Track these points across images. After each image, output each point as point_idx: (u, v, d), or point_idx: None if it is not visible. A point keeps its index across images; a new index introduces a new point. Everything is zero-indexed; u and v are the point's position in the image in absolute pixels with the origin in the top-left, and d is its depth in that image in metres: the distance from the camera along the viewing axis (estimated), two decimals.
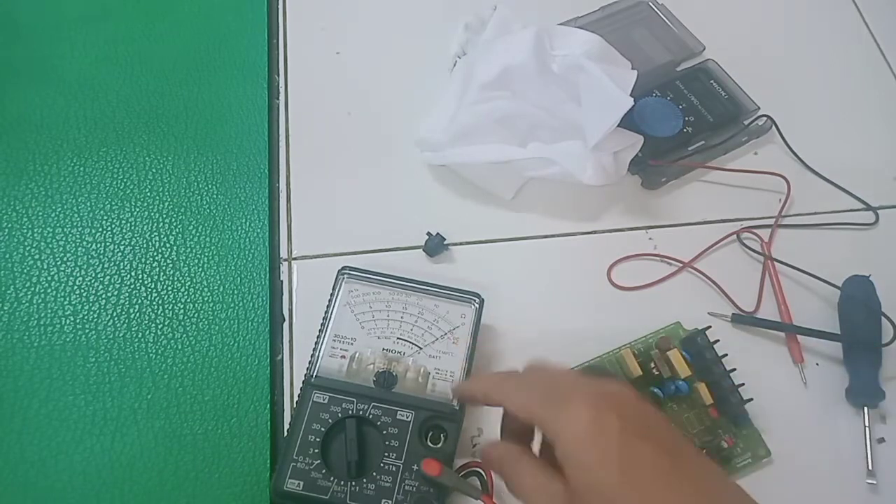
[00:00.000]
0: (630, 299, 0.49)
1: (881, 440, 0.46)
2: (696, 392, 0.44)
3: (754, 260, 0.52)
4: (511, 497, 0.33)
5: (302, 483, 0.38)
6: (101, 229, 0.49)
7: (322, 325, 0.43)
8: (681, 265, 0.51)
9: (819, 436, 0.46)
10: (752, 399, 0.44)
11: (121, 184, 0.50)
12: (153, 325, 0.45)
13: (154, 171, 0.51)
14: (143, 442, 0.42)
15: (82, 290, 0.46)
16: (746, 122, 0.56)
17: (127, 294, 0.46)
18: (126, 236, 0.48)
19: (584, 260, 0.50)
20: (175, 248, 0.48)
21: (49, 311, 0.45)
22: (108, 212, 0.49)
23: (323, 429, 0.40)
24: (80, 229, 0.48)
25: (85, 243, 0.48)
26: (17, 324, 0.45)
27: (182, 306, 0.46)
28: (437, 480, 0.38)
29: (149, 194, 0.50)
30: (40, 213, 0.49)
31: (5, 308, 0.45)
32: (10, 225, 0.48)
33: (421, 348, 0.43)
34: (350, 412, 0.40)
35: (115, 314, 0.46)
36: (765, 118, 0.56)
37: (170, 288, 0.47)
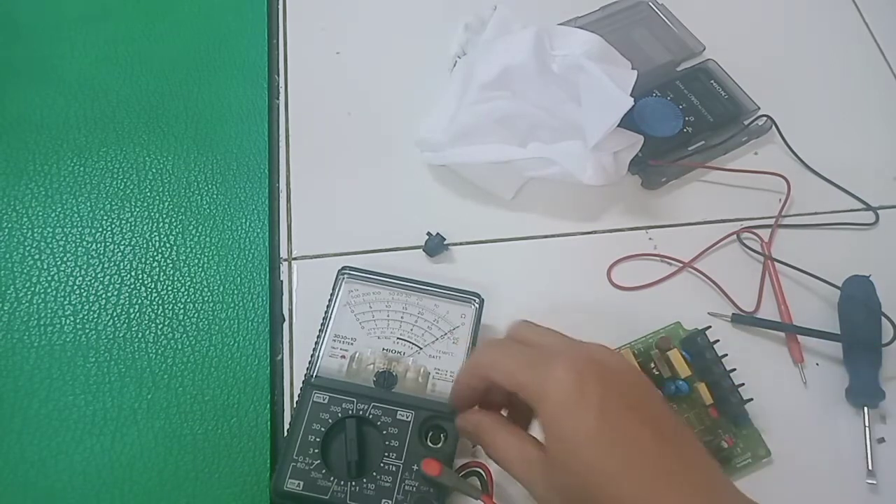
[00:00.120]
0: (630, 299, 0.49)
1: (881, 440, 0.46)
2: (696, 392, 0.44)
3: (754, 260, 0.52)
4: (512, 497, 0.34)
5: (302, 483, 0.38)
6: (101, 229, 0.49)
7: (322, 325, 0.43)
8: (681, 265, 0.51)
9: (819, 436, 0.46)
10: (752, 399, 0.44)
11: (121, 184, 0.50)
12: (153, 325, 0.45)
13: (154, 171, 0.51)
14: (143, 442, 0.42)
15: (82, 290, 0.46)
16: (746, 122, 0.56)
17: (127, 294, 0.46)
18: (126, 236, 0.48)
19: (584, 260, 0.50)
20: (175, 248, 0.48)
21: (49, 311, 0.45)
22: (108, 212, 0.49)
23: (323, 429, 0.40)
24: (80, 229, 0.48)
25: (85, 243, 0.48)
26: (17, 324, 0.45)
27: (182, 306, 0.46)
28: (437, 480, 0.38)
29: (149, 194, 0.50)
30: (40, 213, 0.49)
31: (5, 308, 0.45)
32: (10, 225, 0.48)
33: (421, 348, 0.43)
34: (350, 412, 0.40)
35: (115, 314, 0.46)
36: (765, 118, 0.56)
37: (170, 288, 0.47)
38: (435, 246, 0.49)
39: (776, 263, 0.51)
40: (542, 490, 0.31)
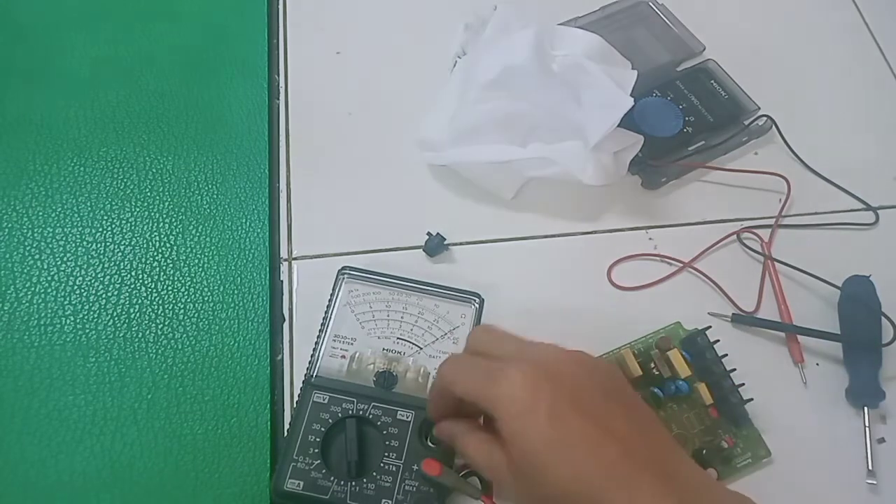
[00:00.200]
0: (630, 299, 0.49)
1: (881, 440, 0.46)
2: (696, 392, 0.44)
3: (754, 260, 0.52)
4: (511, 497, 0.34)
5: (302, 483, 0.38)
6: (101, 229, 0.49)
7: (322, 325, 0.43)
8: (681, 265, 0.51)
9: (819, 436, 0.46)
10: (752, 399, 0.44)
11: (121, 184, 0.50)
12: (153, 325, 0.45)
13: (154, 171, 0.51)
14: (143, 442, 0.42)
15: (82, 290, 0.46)
16: (746, 122, 0.56)
17: (127, 294, 0.46)
18: (126, 236, 0.48)
19: (584, 260, 0.50)
20: (175, 248, 0.48)
21: (49, 311, 0.45)
22: (108, 212, 0.49)
23: (323, 429, 0.40)
24: (80, 229, 0.48)
25: (85, 243, 0.48)
26: (17, 324, 0.45)
27: (182, 306, 0.46)
28: (437, 480, 0.38)
29: (149, 194, 0.50)
30: (40, 213, 0.49)
31: (5, 308, 0.45)
32: (10, 225, 0.48)
33: (421, 348, 0.43)
34: (350, 412, 0.40)
35: (115, 314, 0.46)
36: (765, 118, 0.56)
37: (170, 288, 0.47)
38: (435, 246, 0.49)
39: (776, 263, 0.51)
40: (513, 492, 0.32)
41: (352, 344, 0.43)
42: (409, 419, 0.40)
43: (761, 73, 0.59)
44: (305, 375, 0.41)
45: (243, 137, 0.53)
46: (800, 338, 0.48)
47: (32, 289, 0.46)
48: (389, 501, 0.38)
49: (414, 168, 0.53)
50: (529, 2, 0.56)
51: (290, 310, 0.47)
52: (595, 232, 0.52)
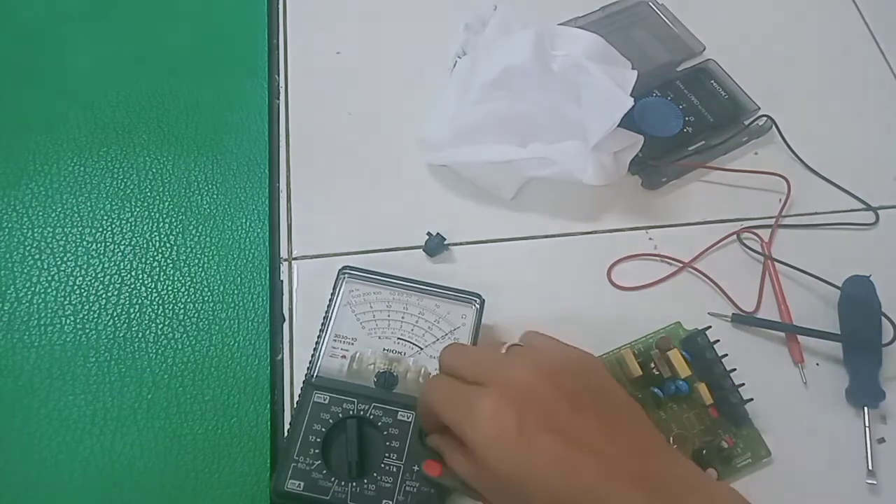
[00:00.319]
0: (630, 299, 0.49)
1: (881, 440, 0.46)
2: (697, 392, 0.44)
3: (754, 260, 0.52)
4: None
5: (303, 483, 0.38)
6: (101, 229, 0.49)
7: (322, 325, 0.43)
8: (681, 265, 0.51)
9: (819, 436, 0.46)
10: (752, 399, 0.44)
11: (121, 184, 0.50)
12: (153, 325, 0.45)
13: (154, 171, 0.51)
14: (143, 442, 0.42)
15: (82, 290, 0.46)
16: (746, 122, 0.56)
17: (127, 294, 0.46)
18: (126, 236, 0.48)
19: (584, 260, 0.50)
20: (175, 247, 0.48)
21: (49, 311, 0.45)
22: (108, 212, 0.49)
23: (323, 429, 0.40)
24: (80, 229, 0.48)
25: (85, 243, 0.48)
26: (17, 324, 0.45)
27: (182, 306, 0.46)
28: (438, 481, 0.38)
29: (149, 194, 0.50)
30: (40, 213, 0.49)
31: (5, 308, 0.45)
32: (10, 225, 0.48)
33: (422, 349, 0.43)
34: (351, 412, 0.40)
35: (115, 314, 0.46)
36: (765, 118, 0.56)
37: (170, 288, 0.47)
38: (435, 246, 0.49)
39: (776, 263, 0.51)
40: None
41: (352, 344, 0.43)
42: (409, 420, 0.40)
43: (761, 73, 0.59)
44: (306, 375, 0.41)
45: (243, 137, 0.53)
46: (800, 338, 0.48)
47: (32, 289, 0.46)
48: (390, 502, 0.38)
49: (414, 168, 0.53)
50: (529, 2, 0.56)
51: (290, 310, 0.47)
52: (595, 232, 0.52)
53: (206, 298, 0.47)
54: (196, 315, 0.46)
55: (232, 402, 0.43)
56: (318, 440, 0.39)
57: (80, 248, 0.48)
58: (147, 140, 0.52)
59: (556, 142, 0.50)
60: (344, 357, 0.42)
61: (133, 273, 0.47)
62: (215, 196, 0.50)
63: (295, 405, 0.41)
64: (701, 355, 0.45)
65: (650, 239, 0.52)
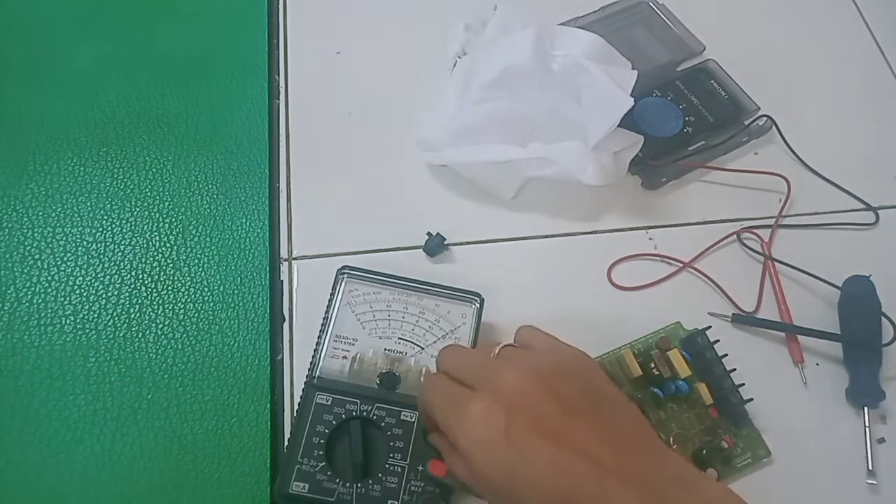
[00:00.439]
0: (630, 299, 0.49)
1: (881, 440, 0.46)
2: (697, 392, 0.44)
3: (754, 260, 0.52)
4: None
5: (307, 485, 0.38)
6: (101, 229, 0.48)
7: (323, 325, 0.43)
8: (681, 265, 0.51)
9: (819, 436, 0.46)
10: (752, 399, 0.44)
11: (121, 184, 0.50)
12: (153, 325, 0.45)
13: (154, 171, 0.51)
14: (143, 442, 0.42)
15: (82, 290, 0.46)
16: (746, 122, 0.56)
17: (127, 294, 0.46)
18: (126, 236, 0.48)
19: (584, 260, 0.50)
20: (175, 247, 0.48)
21: (49, 311, 0.45)
22: (108, 212, 0.49)
23: (327, 430, 0.40)
24: (80, 229, 0.48)
25: (85, 243, 0.48)
26: (17, 324, 0.45)
27: (182, 306, 0.46)
28: (443, 481, 0.38)
29: (149, 194, 0.50)
30: (40, 213, 0.49)
31: (5, 308, 0.45)
32: (10, 225, 0.48)
33: (423, 348, 0.43)
34: (354, 413, 0.40)
35: (115, 314, 0.46)
36: (765, 118, 0.56)
37: (170, 288, 0.47)
38: (435, 246, 0.49)
39: (776, 263, 0.51)
40: None
41: (353, 344, 0.42)
42: (413, 420, 0.40)
43: (761, 73, 0.59)
44: (307, 376, 0.41)
45: (243, 137, 0.53)
46: (800, 338, 0.48)
47: (32, 289, 0.46)
48: (395, 502, 0.38)
49: (414, 168, 0.53)
50: (529, 2, 0.56)
51: (290, 310, 0.47)
52: (595, 232, 0.52)
53: (206, 298, 0.47)
54: (196, 315, 0.46)
55: (232, 402, 0.43)
56: (322, 441, 0.39)
57: (80, 248, 0.48)
58: (147, 140, 0.52)
59: (556, 142, 0.50)
60: (345, 358, 0.42)
61: (133, 273, 0.47)
62: (215, 196, 0.50)
63: (295, 405, 0.41)
64: (701, 355, 0.45)
65: (650, 239, 0.52)
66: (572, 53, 0.50)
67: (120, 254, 0.48)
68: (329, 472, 0.38)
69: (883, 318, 0.48)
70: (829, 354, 0.48)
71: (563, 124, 0.50)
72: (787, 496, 0.43)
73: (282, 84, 0.56)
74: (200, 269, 0.48)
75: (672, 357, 0.44)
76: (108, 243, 0.48)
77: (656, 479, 0.30)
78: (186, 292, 0.47)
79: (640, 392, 0.45)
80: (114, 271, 0.47)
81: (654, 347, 0.46)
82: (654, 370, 0.45)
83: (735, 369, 0.45)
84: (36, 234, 0.48)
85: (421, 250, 0.49)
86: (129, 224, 0.49)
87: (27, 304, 0.45)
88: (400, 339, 0.43)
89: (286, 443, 0.41)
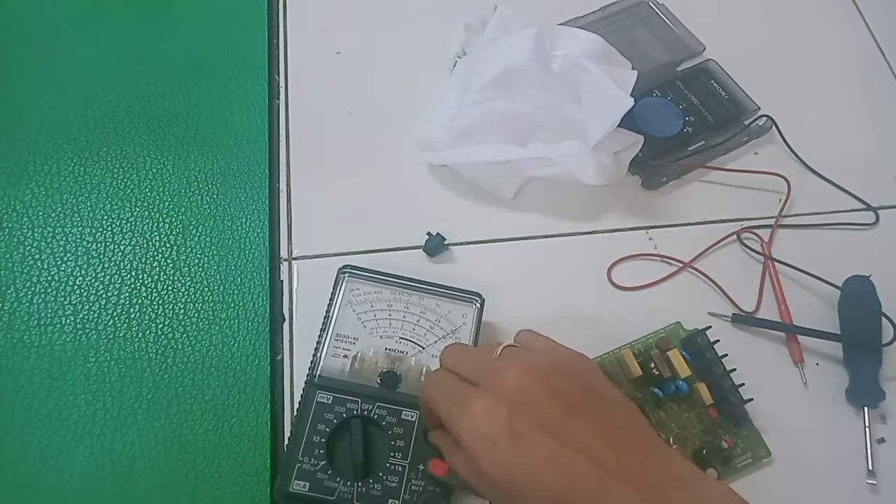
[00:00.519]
0: (630, 299, 0.49)
1: (881, 440, 0.46)
2: (697, 392, 0.44)
3: (754, 260, 0.52)
4: None
5: (308, 484, 0.38)
6: (101, 229, 0.48)
7: (323, 324, 0.43)
8: (681, 265, 0.51)
9: (819, 436, 0.46)
10: (752, 399, 0.44)
11: (121, 184, 0.50)
12: (153, 325, 0.45)
13: (154, 171, 0.51)
14: (143, 442, 0.42)
15: (82, 290, 0.46)
16: (746, 122, 0.56)
17: (127, 294, 0.46)
18: (126, 236, 0.48)
19: (584, 260, 0.50)
20: (175, 247, 0.48)
21: (49, 311, 0.45)
22: (108, 212, 0.49)
23: (328, 429, 0.39)
24: (80, 229, 0.48)
25: (85, 243, 0.48)
26: (17, 324, 0.45)
27: (182, 306, 0.46)
28: (444, 480, 0.38)
29: (149, 194, 0.50)
30: (40, 213, 0.49)
31: (5, 308, 0.45)
32: (10, 225, 0.48)
33: (424, 348, 0.43)
34: (354, 412, 0.40)
35: (115, 314, 0.46)
36: (765, 118, 0.56)
37: (170, 288, 0.47)
38: (435, 246, 0.49)
39: (776, 263, 0.51)
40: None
41: (354, 343, 0.42)
42: (413, 419, 0.40)
43: (761, 73, 0.59)
44: (308, 376, 0.41)
45: (243, 137, 0.53)
46: (800, 338, 0.48)
47: (32, 289, 0.46)
48: (396, 502, 0.38)
49: (414, 168, 0.53)
50: (529, 2, 0.56)
51: (290, 310, 0.47)
52: (595, 232, 0.52)
53: (206, 298, 0.47)
54: (196, 315, 0.46)
55: (232, 402, 0.43)
56: (323, 440, 0.39)
57: (80, 248, 0.48)
58: (147, 140, 0.52)
59: (556, 142, 0.50)
60: (346, 357, 0.42)
61: (133, 273, 0.47)
62: (215, 196, 0.50)
63: (296, 405, 0.41)
64: (701, 355, 0.45)
65: (650, 239, 0.52)
66: (572, 53, 0.50)
67: (120, 254, 0.48)
68: (330, 471, 0.38)
69: (883, 318, 0.48)
70: (829, 354, 0.48)
71: (563, 124, 0.50)
72: (787, 496, 0.43)
73: (282, 84, 0.56)
74: (200, 269, 0.48)
75: (672, 357, 0.44)
76: (108, 243, 0.48)
77: (657, 479, 0.30)
78: (186, 292, 0.47)
79: (640, 392, 0.45)
80: (114, 271, 0.47)
81: (654, 347, 0.46)
82: (654, 370, 0.45)
83: (735, 369, 0.45)
84: (36, 234, 0.48)
85: (421, 250, 0.49)
86: (129, 224, 0.49)
87: (27, 304, 0.45)
88: (401, 338, 0.43)
89: (286, 442, 0.41)
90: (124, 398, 0.43)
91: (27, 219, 0.48)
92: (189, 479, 0.41)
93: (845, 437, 0.46)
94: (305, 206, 0.51)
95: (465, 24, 0.56)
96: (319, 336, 0.43)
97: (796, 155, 0.56)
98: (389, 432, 0.40)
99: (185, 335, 0.45)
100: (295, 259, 0.49)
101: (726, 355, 0.46)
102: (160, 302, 0.46)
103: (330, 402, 0.40)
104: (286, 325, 0.46)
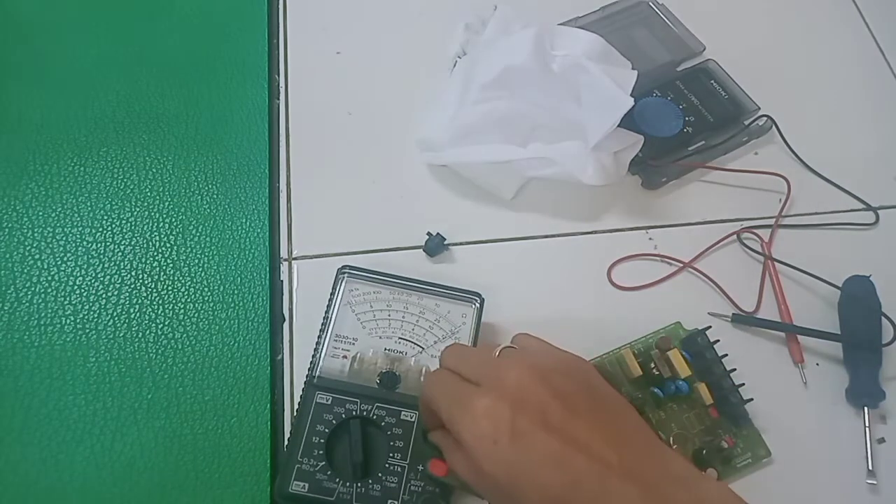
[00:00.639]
0: (630, 299, 0.49)
1: (881, 440, 0.46)
2: (697, 392, 0.44)
3: (754, 260, 0.52)
4: None
5: (307, 485, 0.38)
6: (101, 229, 0.48)
7: (323, 325, 0.43)
8: (681, 265, 0.51)
9: (819, 436, 0.46)
10: (752, 399, 0.44)
11: (121, 184, 0.50)
12: (153, 325, 0.45)
13: (154, 171, 0.51)
14: (143, 442, 0.42)
15: (82, 290, 0.46)
16: (746, 122, 0.56)
17: (127, 294, 0.46)
18: (126, 236, 0.48)
19: (584, 260, 0.51)
20: (175, 247, 0.48)
21: (49, 311, 0.45)
22: (108, 212, 0.49)
23: (327, 430, 0.39)
24: (80, 229, 0.48)
25: (85, 243, 0.48)
26: (17, 324, 0.45)
27: (182, 306, 0.46)
28: (443, 481, 0.38)
29: (149, 194, 0.50)
30: (40, 213, 0.49)
31: (5, 308, 0.45)
32: (10, 225, 0.48)
33: (423, 348, 0.43)
34: (354, 413, 0.40)
35: (115, 314, 0.46)
36: (765, 118, 0.56)
37: (170, 288, 0.47)
38: (435, 246, 0.49)
39: (776, 263, 0.51)
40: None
41: (353, 344, 0.42)
42: (413, 419, 0.40)
43: (761, 73, 0.59)
44: (307, 376, 0.41)
45: (243, 137, 0.53)
46: (800, 338, 0.48)
47: (32, 289, 0.46)
48: (395, 502, 0.38)
49: (414, 168, 0.53)
50: (529, 2, 0.56)
51: (290, 310, 0.47)
52: (595, 232, 0.52)
53: (206, 298, 0.47)
54: (196, 315, 0.46)
55: (232, 402, 0.43)
56: (322, 441, 0.39)
57: (80, 248, 0.48)
58: (147, 140, 0.52)
59: (556, 142, 0.50)
60: (345, 357, 0.42)
61: (133, 273, 0.47)
62: (215, 196, 0.50)
63: (296, 405, 0.41)
64: (701, 355, 0.45)
65: (650, 239, 0.52)
66: (572, 53, 0.50)
67: (120, 254, 0.48)
68: (329, 472, 0.38)
69: (883, 318, 0.48)
70: (829, 354, 0.48)
71: (563, 124, 0.50)
72: (787, 496, 0.43)
73: (282, 84, 0.56)
74: (200, 269, 0.48)
75: (672, 357, 0.44)
76: (108, 243, 0.48)
77: (657, 478, 0.31)
78: (186, 292, 0.47)
79: (640, 392, 0.44)
80: (114, 271, 0.47)
81: (654, 347, 0.46)
82: (654, 370, 0.45)
83: (735, 369, 0.45)
84: (36, 234, 0.48)
85: (421, 250, 0.49)
86: (129, 224, 0.49)
87: (27, 304, 0.45)
88: (400, 338, 0.43)
89: (286, 442, 0.41)
90: (124, 398, 0.43)
91: (27, 219, 0.48)
92: (189, 479, 0.41)
93: (845, 437, 0.46)
94: (305, 206, 0.51)
95: (465, 24, 0.56)
96: (319, 336, 0.43)
97: (796, 155, 0.56)
98: (389, 433, 0.40)
99: (185, 335, 0.45)
100: (295, 259, 0.49)
101: (726, 355, 0.46)
102: (160, 302, 0.46)
103: (329, 402, 0.40)
104: (286, 325, 0.46)
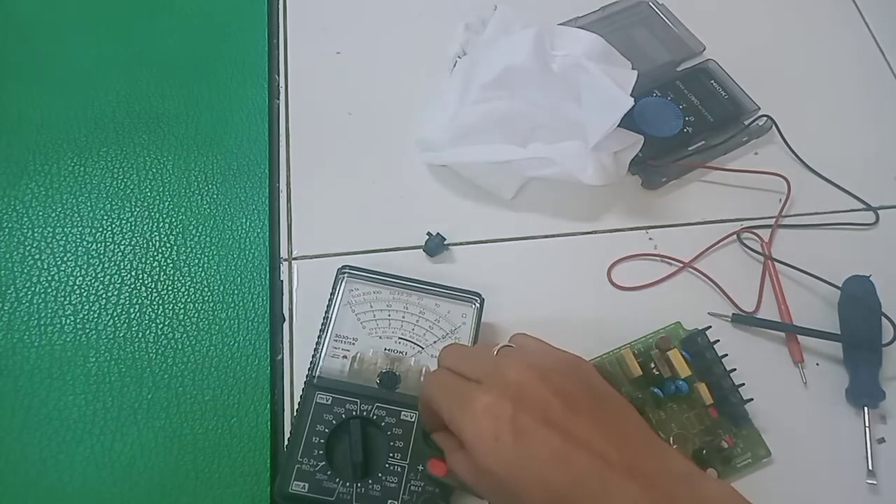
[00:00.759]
0: (630, 299, 0.49)
1: (881, 440, 0.46)
2: (697, 392, 0.44)
3: (754, 260, 0.52)
4: None
5: (307, 485, 0.38)
6: (101, 229, 0.48)
7: (323, 325, 0.43)
8: (681, 265, 0.51)
9: (819, 436, 0.46)
10: (752, 399, 0.44)
11: (121, 184, 0.50)
12: (153, 325, 0.45)
13: (154, 171, 0.51)
14: (143, 442, 0.42)
15: (82, 290, 0.46)
16: (746, 122, 0.56)
17: (127, 294, 0.46)
18: (126, 236, 0.48)
19: (584, 260, 0.51)
20: (175, 247, 0.48)
21: (49, 311, 0.45)
22: (108, 212, 0.49)
23: (327, 430, 0.39)
24: (80, 229, 0.48)
25: (85, 243, 0.48)
26: (17, 324, 0.45)
27: (182, 306, 0.46)
28: (443, 481, 0.38)
29: (149, 194, 0.50)
30: (40, 213, 0.49)
31: (5, 308, 0.45)
32: (10, 225, 0.48)
33: (423, 348, 0.43)
34: (354, 413, 0.40)
35: (115, 314, 0.46)
36: (765, 118, 0.56)
37: (170, 288, 0.47)
38: (435, 246, 0.49)
39: (776, 263, 0.51)
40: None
41: (353, 344, 0.42)
42: (413, 420, 0.40)
43: (761, 73, 0.59)
44: (307, 376, 0.41)
45: (243, 137, 0.53)
46: (800, 338, 0.48)
47: (32, 289, 0.46)
48: (395, 502, 0.38)
49: (414, 168, 0.53)
50: (529, 2, 0.56)
51: (290, 310, 0.47)
52: (595, 232, 0.52)
53: (206, 298, 0.47)
54: (196, 315, 0.46)
55: (232, 402, 0.43)
56: (322, 441, 0.39)
57: (80, 248, 0.48)
58: (147, 140, 0.52)
59: (556, 142, 0.50)
60: (345, 357, 0.42)
61: (133, 273, 0.47)
62: (215, 196, 0.50)
63: (295, 405, 0.41)
64: (701, 355, 0.45)
65: (650, 239, 0.52)
66: (572, 53, 0.50)
67: (120, 254, 0.48)
68: (329, 472, 0.38)
69: (883, 318, 0.48)
70: (829, 354, 0.48)
71: (563, 124, 0.50)
72: (787, 496, 0.43)
73: (282, 84, 0.56)
74: (200, 269, 0.48)
75: (672, 357, 0.44)
76: (108, 243, 0.48)
77: (658, 475, 0.31)
78: (186, 292, 0.47)
79: (640, 392, 0.45)
80: (114, 271, 0.47)
81: (654, 347, 0.46)
82: (654, 370, 0.45)
83: (735, 369, 0.45)
84: (36, 234, 0.48)
85: (421, 250, 0.49)
86: (129, 224, 0.49)
87: (27, 304, 0.45)
88: (400, 338, 0.43)
89: (286, 442, 0.41)
90: (124, 398, 0.43)
91: (27, 219, 0.48)
92: (189, 479, 0.41)
93: (845, 437, 0.46)
94: (305, 206, 0.51)
95: (465, 24, 0.56)
96: (319, 336, 0.43)
97: (796, 155, 0.56)
98: (388, 433, 0.40)
99: (185, 335, 0.45)
100: (295, 259, 0.49)
101: (726, 355, 0.46)
102: (160, 302, 0.46)
103: (329, 402, 0.40)
104: (286, 325, 0.46)
